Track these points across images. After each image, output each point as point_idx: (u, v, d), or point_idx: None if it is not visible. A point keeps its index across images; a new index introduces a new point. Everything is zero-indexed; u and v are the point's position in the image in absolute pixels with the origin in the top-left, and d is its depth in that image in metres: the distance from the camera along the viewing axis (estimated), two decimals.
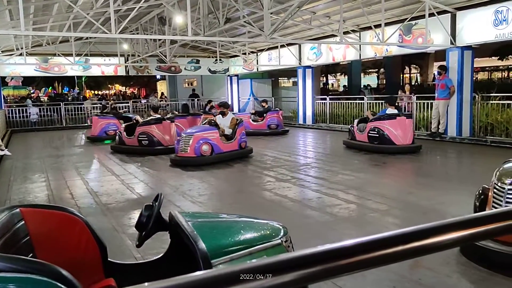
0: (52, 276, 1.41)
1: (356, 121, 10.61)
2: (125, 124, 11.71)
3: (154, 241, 3.33)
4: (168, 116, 12.20)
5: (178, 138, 9.15)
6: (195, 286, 0.57)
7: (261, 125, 14.37)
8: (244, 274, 0.60)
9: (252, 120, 14.52)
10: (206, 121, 9.74)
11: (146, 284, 0.55)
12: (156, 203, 2.22)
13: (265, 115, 14.54)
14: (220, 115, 9.71)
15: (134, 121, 11.58)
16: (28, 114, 18.77)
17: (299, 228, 4.36)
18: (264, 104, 15.38)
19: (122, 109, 19.30)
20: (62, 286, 1.40)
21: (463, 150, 10.02)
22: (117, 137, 11.43)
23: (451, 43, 10.86)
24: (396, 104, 10.98)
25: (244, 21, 11.06)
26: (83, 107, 20.46)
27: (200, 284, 0.57)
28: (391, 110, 9.68)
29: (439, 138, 11.25)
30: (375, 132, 9.37)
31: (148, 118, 11.06)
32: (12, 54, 16.33)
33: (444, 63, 11.51)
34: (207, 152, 8.70)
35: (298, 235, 3.87)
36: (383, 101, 13.91)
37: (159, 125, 10.50)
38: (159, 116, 11.09)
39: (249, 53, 18.76)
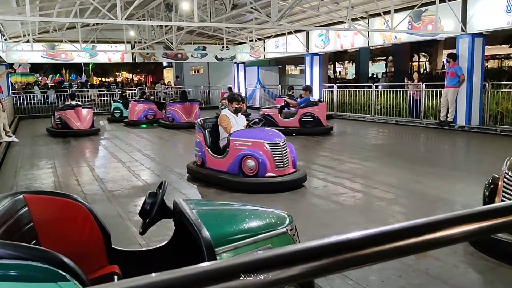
0: (53, 263, 1.39)
1: (273, 109, 11.45)
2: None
3: (160, 228, 3.33)
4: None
5: (244, 150, 5.67)
6: (201, 278, 0.55)
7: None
8: (250, 266, 0.58)
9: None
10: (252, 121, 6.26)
11: (153, 274, 0.54)
12: (160, 191, 2.19)
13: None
14: (234, 112, 6.18)
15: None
16: (47, 99, 19.49)
17: (304, 216, 4.34)
18: (291, 92, 14.71)
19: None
20: (64, 273, 1.39)
21: (472, 139, 9.90)
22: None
23: (462, 30, 10.67)
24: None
25: (251, 7, 10.93)
26: (88, 94, 20.53)
27: (204, 276, 0.56)
28: (312, 98, 11.22)
29: (447, 127, 11.13)
30: (310, 117, 10.70)
31: (66, 103, 12.88)
32: (19, 41, 16.32)
33: (454, 50, 11.33)
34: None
35: (303, 223, 3.85)
36: (392, 89, 13.79)
37: (71, 111, 12.01)
38: (75, 102, 12.84)
39: (256, 40, 18.60)
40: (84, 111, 12.20)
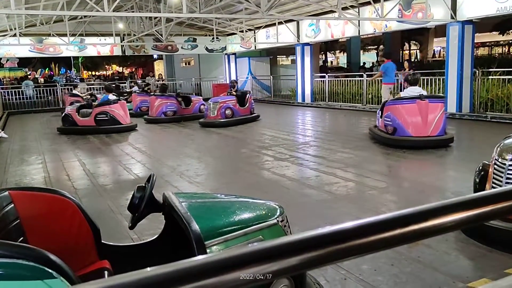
0: (39, 260, 1.37)
1: (72, 108, 11.50)
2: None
3: (151, 222, 3.31)
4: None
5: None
6: (194, 272, 0.56)
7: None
8: (242, 259, 0.58)
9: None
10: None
11: (148, 269, 0.54)
12: (149, 184, 2.16)
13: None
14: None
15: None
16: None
17: (297, 207, 4.33)
18: (234, 83, 13.59)
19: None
20: (50, 270, 1.36)
21: (463, 126, 9.95)
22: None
23: (452, 17, 10.66)
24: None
25: None
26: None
27: (197, 270, 0.56)
28: (112, 96, 11.50)
29: None
30: (104, 116, 10.83)
31: None
32: (6, 35, 16.06)
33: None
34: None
35: (296, 213, 3.85)
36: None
37: None
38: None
39: (246, 31, 18.45)
40: None
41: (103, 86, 12.65)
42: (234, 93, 12.21)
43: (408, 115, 7.30)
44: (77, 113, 11.11)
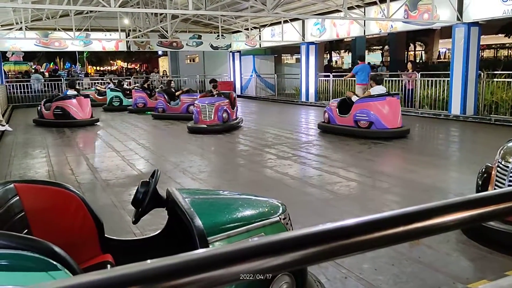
0: (44, 252, 1.38)
1: (41, 103, 12.36)
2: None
3: (154, 217, 3.32)
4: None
5: None
6: (194, 265, 0.56)
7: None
8: (243, 253, 0.58)
9: None
10: None
11: (148, 261, 0.54)
12: (153, 180, 2.18)
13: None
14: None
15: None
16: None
17: (299, 205, 4.34)
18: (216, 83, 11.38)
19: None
20: (54, 262, 1.38)
21: (467, 129, 9.93)
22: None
23: (458, 19, 10.63)
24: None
25: None
26: (82, 83, 20.43)
27: (197, 263, 0.56)
28: (71, 92, 11.86)
29: (443, 117, 11.15)
30: (59, 110, 11.40)
31: None
32: (12, 29, 16.10)
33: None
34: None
35: (298, 212, 3.86)
36: (386, 79, 13.77)
37: None
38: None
39: (251, 29, 18.44)
40: None
41: (68, 82, 13.30)
42: (216, 93, 10.62)
43: (384, 110, 8.36)
44: (43, 107, 11.85)
